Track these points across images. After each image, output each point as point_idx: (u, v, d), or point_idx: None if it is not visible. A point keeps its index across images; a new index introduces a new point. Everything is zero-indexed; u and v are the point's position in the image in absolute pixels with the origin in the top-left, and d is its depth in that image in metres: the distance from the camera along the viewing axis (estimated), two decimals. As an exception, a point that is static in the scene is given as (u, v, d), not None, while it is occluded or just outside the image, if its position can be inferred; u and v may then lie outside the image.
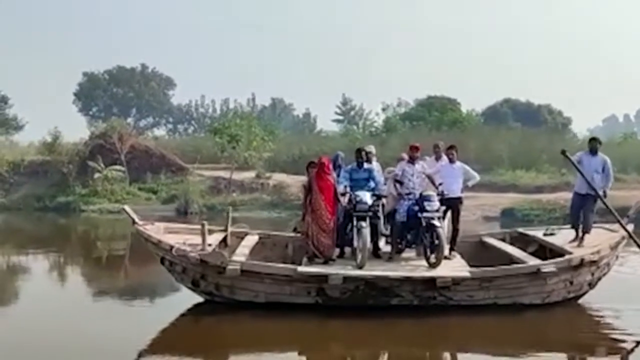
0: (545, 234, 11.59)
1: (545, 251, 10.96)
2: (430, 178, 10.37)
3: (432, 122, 39.01)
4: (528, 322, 9.18)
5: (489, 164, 30.97)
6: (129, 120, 61.07)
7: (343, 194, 10.10)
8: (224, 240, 11.59)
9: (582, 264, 9.51)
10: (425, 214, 9.70)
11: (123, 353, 7.96)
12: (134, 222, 10.32)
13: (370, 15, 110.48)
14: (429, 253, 9.71)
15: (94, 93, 67.64)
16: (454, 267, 9.75)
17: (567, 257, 9.68)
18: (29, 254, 18.01)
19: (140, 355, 7.92)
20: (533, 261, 9.77)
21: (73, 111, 68.49)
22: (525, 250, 10.98)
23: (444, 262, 9.79)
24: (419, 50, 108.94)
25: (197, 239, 10.54)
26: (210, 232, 11.78)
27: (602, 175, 10.44)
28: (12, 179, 31.60)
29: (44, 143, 34.29)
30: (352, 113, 63.17)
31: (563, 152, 10.41)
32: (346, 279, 9.13)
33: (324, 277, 9.13)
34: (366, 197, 9.85)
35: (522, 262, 9.82)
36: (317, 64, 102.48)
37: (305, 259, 10.02)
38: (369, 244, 9.74)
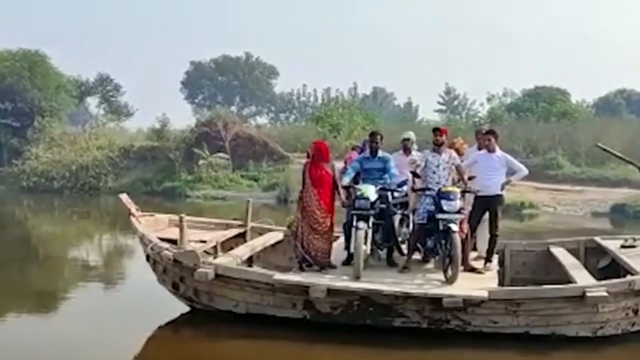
0: (623, 246, 8.72)
1: (618, 268, 8.21)
2: (459, 169, 7.89)
3: (540, 114, 35.12)
4: (570, 361, 6.67)
5: (600, 157, 28.10)
6: (233, 108, 59.90)
7: (347, 188, 7.92)
8: (243, 236, 9.85)
9: (649, 288, 6.77)
10: (442, 216, 7.32)
11: None
12: (129, 212, 8.88)
13: (477, 3, 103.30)
14: (447, 263, 7.34)
15: (200, 82, 66.84)
16: (476, 284, 7.23)
17: (628, 278, 6.98)
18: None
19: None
20: (583, 281, 7.15)
21: (179, 99, 68.06)
22: (594, 266, 8.35)
23: (474, 276, 7.55)
24: (527, 38, 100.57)
25: (204, 235, 9.08)
26: (228, 226, 10.12)
27: None
28: (122, 163, 31.69)
29: (153, 129, 34.21)
30: (455, 103, 59.14)
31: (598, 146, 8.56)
32: (331, 291, 6.98)
33: (305, 288, 7.06)
34: (369, 191, 7.50)
35: (574, 281, 7.25)
36: (420, 52, 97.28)
37: (296, 265, 7.91)
38: (367, 249, 7.49)
